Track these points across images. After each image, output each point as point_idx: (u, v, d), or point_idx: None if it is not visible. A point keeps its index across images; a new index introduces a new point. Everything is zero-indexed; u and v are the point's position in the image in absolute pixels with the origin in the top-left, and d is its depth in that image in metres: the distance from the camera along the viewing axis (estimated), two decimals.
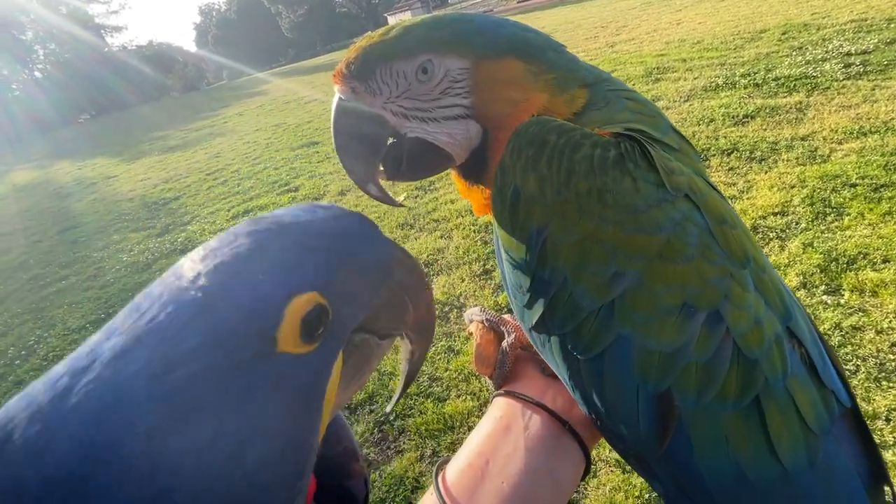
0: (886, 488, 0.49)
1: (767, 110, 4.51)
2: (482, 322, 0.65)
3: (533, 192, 0.47)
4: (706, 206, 0.47)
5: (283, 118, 11.69)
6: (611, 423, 0.47)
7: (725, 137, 4.22)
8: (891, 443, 1.70)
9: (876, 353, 2.04)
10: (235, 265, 0.31)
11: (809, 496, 0.44)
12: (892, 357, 2.01)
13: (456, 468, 0.52)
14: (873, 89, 4.37)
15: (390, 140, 0.55)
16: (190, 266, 0.32)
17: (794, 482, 0.43)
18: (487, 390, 2.43)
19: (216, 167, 8.69)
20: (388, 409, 0.56)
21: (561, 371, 0.50)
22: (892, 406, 1.82)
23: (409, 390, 2.57)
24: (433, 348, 2.82)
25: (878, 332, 2.13)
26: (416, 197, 5.02)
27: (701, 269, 0.44)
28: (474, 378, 2.53)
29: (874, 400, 1.85)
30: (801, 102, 4.50)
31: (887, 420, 1.78)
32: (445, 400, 2.45)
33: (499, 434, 0.53)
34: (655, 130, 0.52)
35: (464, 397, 2.42)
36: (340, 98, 0.52)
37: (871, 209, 2.89)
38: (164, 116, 18.76)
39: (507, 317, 0.67)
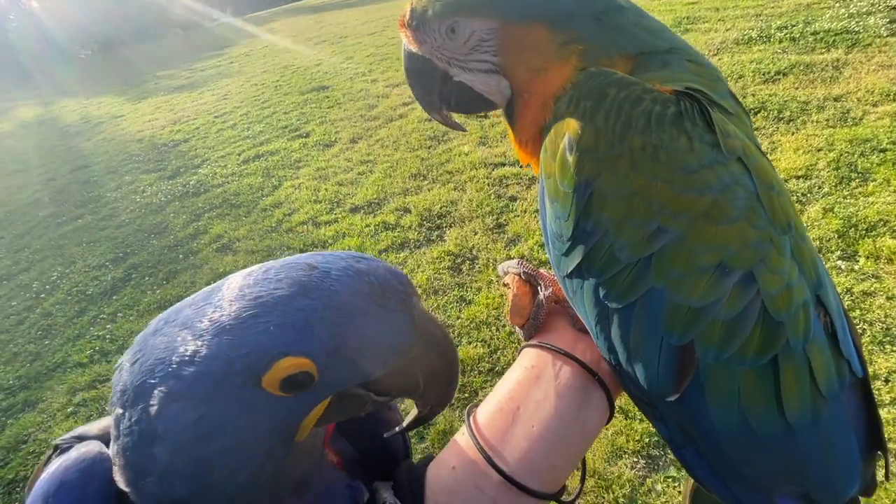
0: (880, 453, 0.52)
1: (802, 67, 4.29)
2: (520, 274, 0.67)
3: (587, 144, 0.47)
4: (757, 170, 0.47)
5: (291, 60, 11.28)
6: (630, 369, 0.49)
7: (754, 96, 4.05)
8: (887, 402, 1.77)
9: (883, 319, 2.07)
10: (259, 309, 0.38)
11: (807, 452, 0.47)
12: None
13: (487, 412, 0.55)
14: None
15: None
16: (231, 295, 0.40)
17: (795, 438, 0.46)
18: (497, 338, 2.52)
19: (224, 109, 8.52)
20: (386, 435, 0.57)
21: (589, 317, 0.52)
22: (893, 368, 1.88)
23: None
24: (445, 298, 2.90)
25: (889, 299, 2.15)
26: (429, 147, 4.94)
27: (742, 232, 0.45)
28: (485, 326, 2.61)
29: (876, 362, 1.91)
30: (838, 60, 4.27)
31: (886, 381, 1.85)
32: (457, 346, 2.55)
33: (530, 381, 0.55)
34: (714, 93, 0.51)
35: (475, 344, 2.51)
36: (403, 41, 0.59)
37: None
38: (169, 54, 18.13)
39: (542, 271, 0.69)
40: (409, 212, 3.89)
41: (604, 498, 1.74)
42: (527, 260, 0.66)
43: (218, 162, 6.17)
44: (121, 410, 0.40)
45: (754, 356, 0.45)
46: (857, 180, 2.89)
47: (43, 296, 4.11)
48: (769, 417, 0.46)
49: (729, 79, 4.46)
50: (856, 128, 3.34)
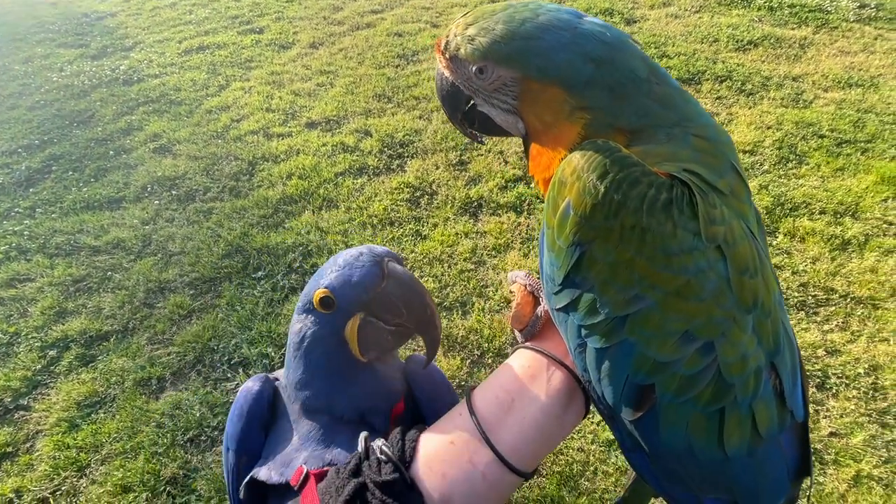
0: (807, 479, 0.64)
1: (772, 40, 4.37)
2: (525, 286, 0.74)
3: (585, 213, 0.53)
4: (734, 256, 0.53)
5: None
6: (598, 390, 0.58)
7: (724, 63, 4.11)
8: None
9: (785, 290, 2.37)
10: (323, 267, 0.73)
11: (738, 475, 0.57)
12: (796, 294, 2.35)
13: (484, 398, 0.63)
14: (875, 38, 4.31)
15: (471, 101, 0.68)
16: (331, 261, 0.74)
17: (730, 464, 0.56)
18: (448, 275, 2.60)
19: None
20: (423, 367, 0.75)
21: (570, 344, 0.60)
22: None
23: None
24: (401, 230, 2.90)
25: (794, 273, 2.44)
26: (397, 66, 4.63)
27: (709, 309, 0.52)
28: (438, 263, 2.68)
29: None
30: (805, 38, 4.38)
31: None
32: None
33: (525, 379, 0.64)
34: (712, 173, 0.56)
35: (426, 279, 2.58)
36: (438, 63, 0.66)
37: (828, 162, 3.07)
38: None
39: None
40: (370, 135, 3.72)
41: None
42: (531, 272, 0.76)
43: (154, 48, 5.42)
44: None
45: (705, 405, 0.54)
46: (793, 162, 3.12)
47: None
48: (710, 447, 0.55)
49: (704, 41, 4.46)
50: (804, 111, 3.53)
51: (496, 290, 2.50)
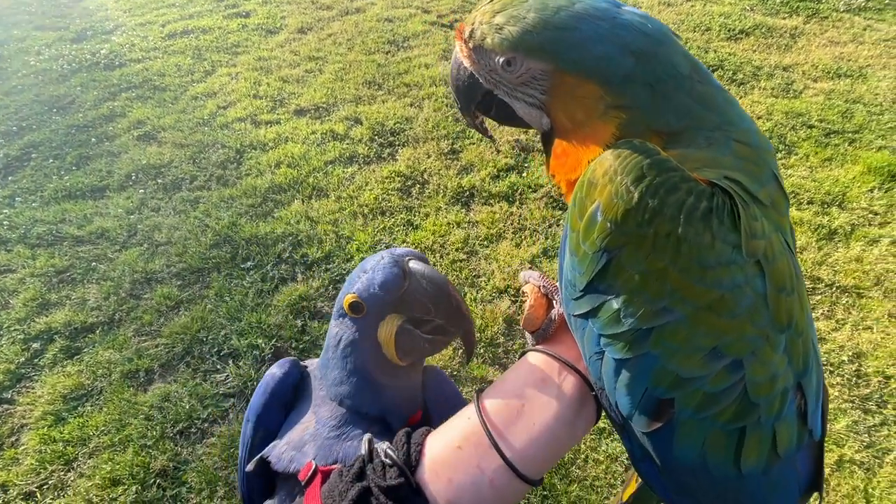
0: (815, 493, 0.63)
1: (763, 30, 4.37)
2: (538, 288, 0.71)
3: (616, 218, 0.49)
4: (772, 272, 0.50)
5: None
6: (612, 399, 0.55)
7: (715, 52, 4.11)
8: None
9: None
10: (352, 273, 0.74)
11: (751, 491, 0.54)
12: None
13: (494, 402, 0.61)
14: (865, 29, 4.33)
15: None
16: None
17: (744, 481, 0.53)
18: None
19: None
20: (467, 362, 0.75)
21: (586, 352, 0.57)
22: None
23: (367, 256, 2.66)
24: (392, 220, 2.87)
25: None
26: (387, 52, 4.55)
27: (741, 327, 0.49)
28: (429, 252, 2.66)
29: None
30: (796, 28, 4.39)
31: None
32: None
33: (536, 384, 0.61)
34: (754, 182, 0.53)
35: None
36: (456, 49, 0.62)
37: (816, 153, 3.10)
38: None
39: (559, 284, 0.73)
40: (361, 123, 3.66)
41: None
42: (545, 273, 0.73)
43: (136, 31, 5.26)
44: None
45: (726, 423, 0.51)
46: (783, 152, 3.14)
47: None
48: (726, 465, 0.53)
49: (696, 29, 4.45)
50: (794, 101, 3.55)
51: (488, 281, 2.50)
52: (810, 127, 3.29)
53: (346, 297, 0.71)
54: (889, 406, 1.95)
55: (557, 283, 0.69)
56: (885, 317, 2.24)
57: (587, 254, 0.52)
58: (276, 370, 0.80)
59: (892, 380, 2.02)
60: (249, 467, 0.73)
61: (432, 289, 0.70)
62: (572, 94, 0.55)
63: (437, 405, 0.83)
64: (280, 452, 0.71)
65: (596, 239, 0.50)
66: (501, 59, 0.56)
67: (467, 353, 0.77)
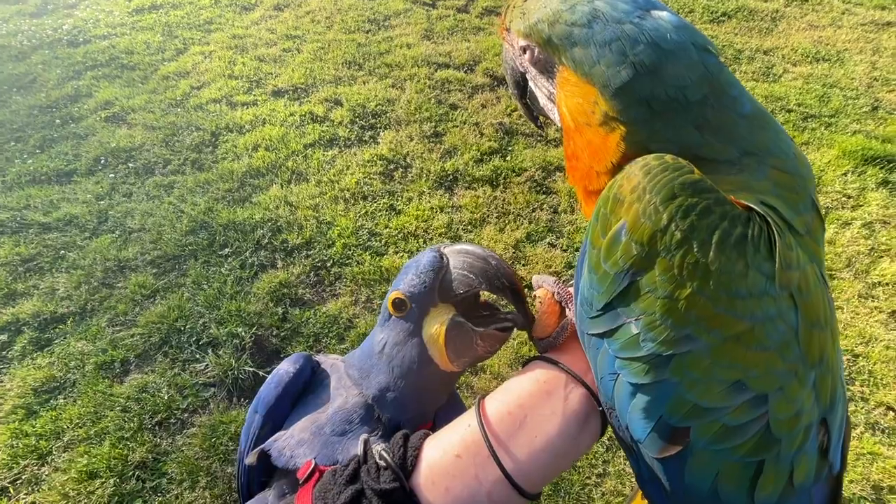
0: None
1: (745, 12, 4.38)
2: (552, 294, 0.67)
3: (642, 239, 0.46)
4: (806, 306, 0.48)
5: None
6: (623, 421, 0.52)
7: None
8: None
9: None
10: (402, 272, 0.72)
11: None
12: None
13: (496, 411, 0.58)
14: (843, 13, 4.37)
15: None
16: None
17: None
18: (418, 248, 2.56)
19: None
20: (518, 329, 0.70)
21: (598, 372, 0.54)
22: None
23: (349, 242, 2.62)
24: (374, 205, 2.82)
25: None
26: (367, 31, 4.41)
27: (770, 361, 0.47)
28: (413, 238, 2.63)
29: None
30: (777, 11, 4.41)
31: None
32: (383, 255, 2.56)
33: (541, 395, 0.59)
34: (790, 209, 0.50)
35: (401, 255, 2.54)
36: (501, 32, 0.63)
37: (794, 137, 3.14)
38: None
39: (572, 290, 0.69)
40: (341, 105, 3.57)
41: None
42: (561, 280, 0.70)
43: (100, 4, 4.98)
44: None
45: (744, 455, 0.48)
46: None
47: None
48: (739, 495, 0.50)
49: (679, 12, 4.43)
50: (774, 85, 3.58)
51: None
52: (789, 111, 3.33)
53: (389, 297, 0.69)
54: (857, 383, 2.02)
55: (572, 291, 0.66)
56: (855, 297, 2.32)
57: (608, 273, 0.49)
58: (290, 366, 0.78)
59: (861, 358, 2.10)
60: (251, 460, 0.72)
61: (470, 258, 0.67)
62: (573, 94, 0.54)
63: (445, 421, 0.81)
64: (281, 447, 0.69)
65: (619, 259, 0.48)
66: (519, 45, 0.57)
67: (522, 313, 0.69)
